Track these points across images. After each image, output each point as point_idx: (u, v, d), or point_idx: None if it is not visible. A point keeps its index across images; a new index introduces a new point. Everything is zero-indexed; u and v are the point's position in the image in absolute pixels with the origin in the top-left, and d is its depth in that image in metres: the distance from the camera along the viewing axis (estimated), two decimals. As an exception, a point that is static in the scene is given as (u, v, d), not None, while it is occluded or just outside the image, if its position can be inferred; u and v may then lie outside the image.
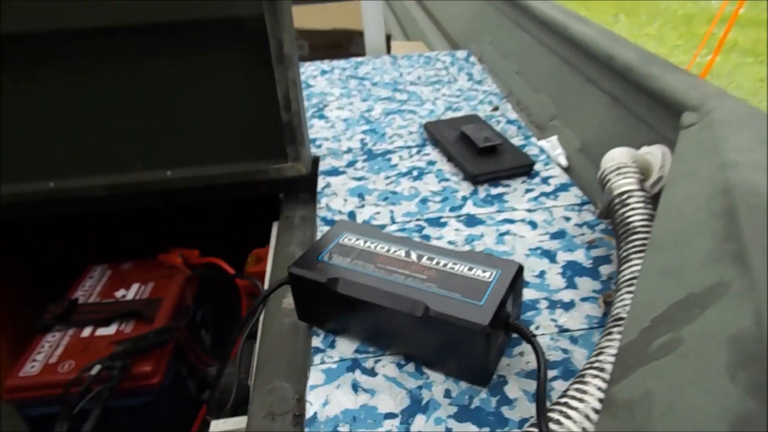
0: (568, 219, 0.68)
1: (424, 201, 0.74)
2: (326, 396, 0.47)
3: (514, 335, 0.51)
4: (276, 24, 0.69)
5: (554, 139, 0.85)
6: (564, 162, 0.80)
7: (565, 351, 0.50)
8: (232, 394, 0.63)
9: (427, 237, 0.66)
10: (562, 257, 0.62)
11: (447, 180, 0.78)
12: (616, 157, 0.60)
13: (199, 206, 0.96)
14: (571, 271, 0.60)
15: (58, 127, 0.78)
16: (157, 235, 1.05)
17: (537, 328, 0.53)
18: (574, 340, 0.51)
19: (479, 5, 1.42)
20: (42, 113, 0.76)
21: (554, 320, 0.53)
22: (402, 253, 0.52)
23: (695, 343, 0.31)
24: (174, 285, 0.96)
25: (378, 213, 0.72)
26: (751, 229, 0.35)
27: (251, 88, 0.76)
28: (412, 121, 0.98)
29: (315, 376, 0.49)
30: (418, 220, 0.70)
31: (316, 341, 0.53)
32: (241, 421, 0.58)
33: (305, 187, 0.84)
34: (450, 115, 0.99)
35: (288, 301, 0.61)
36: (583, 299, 0.56)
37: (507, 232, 0.66)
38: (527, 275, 0.59)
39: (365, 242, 0.54)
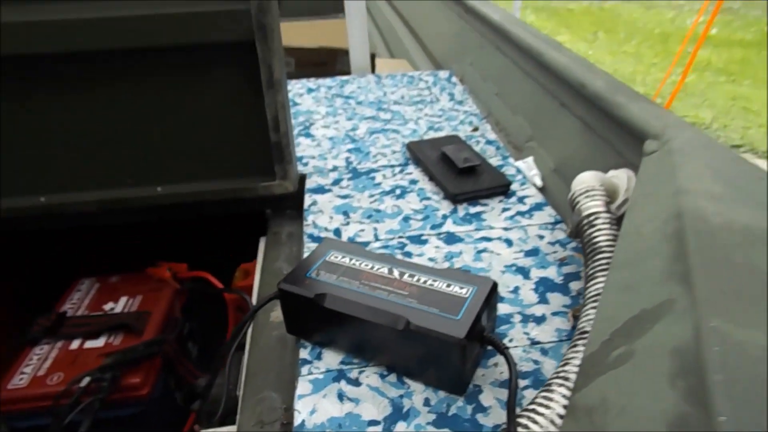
0: (541, 237, 0.72)
1: (406, 219, 0.77)
2: (314, 405, 0.50)
3: (489, 347, 0.54)
4: (267, 50, 0.73)
5: (530, 159, 0.89)
6: (539, 182, 0.84)
7: (536, 362, 0.53)
8: (222, 404, 0.65)
9: (408, 254, 0.70)
10: (536, 274, 0.66)
11: (428, 199, 0.82)
12: (585, 180, 0.65)
13: (188, 221, 0.99)
14: (544, 287, 0.64)
15: (50, 144, 0.80)
16: (146, 249, 1.07)
17: (511, 340, 0.56)
18: (544, 352, 0.55)
19: (461, 27, 1.48)
20: (35, 130, 0.79)
21: (527, 333, 0.57)
22: (385, 270, 0.56)
23: (645, 355, 0.35)
24: (162, 298, 0.98)
25: (362, 230, 0.75)
26: (696, 252, 0.39)
27: (242, 110, 0.79)
28: (396, 140, 1.02)
29: (303, 386, 0.52)
30: (400, 237, 0.73)
31: (304, 353, 0.57)
32: (230, 430, 0.61)
33: (292, 204, 0.87)
34: (432, 134, 1.04)
35: (276, 314, 0.64)
36: (554, 313, 0.60)
37: (484, 250, 0.70)
38: (503, 291, 0.63)
39: (351, 260, 0.58)
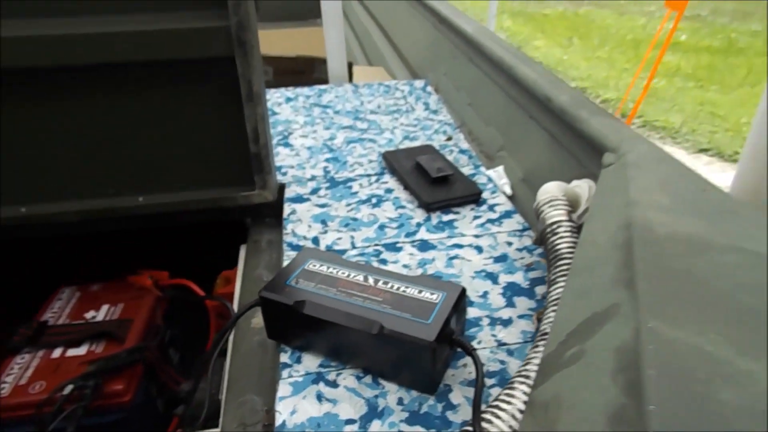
0: (510, 244, 0.76)
1: (382, 227, 0.81)
2: (294, 406, 0.53)
3: (459, 349, 0.58)
4: (246, 65, 0.75)
5: (501, 169, 0.93)
6: (509, 191, 0.88)
7: (502, 362, 0.57)
8: (205, 408, 0.67)
9: (384, 261, 0.73)
10: (504, 279, 0.70)
11: (403, 207, 0.86)
12: (549, 190, 0.69)
13: (169, 229, 1.01)
14: (511, 291, 0.67)
15: (31, 154, 0.81)
16: (127, 257, 1.09)
17: (479, 342, 0.60)
18: (510, 353, 0.58)
19: (435, 37, 1.52)
20: (15, 142, 0.80)
21: (494, 335, 0.61)
22: (361, 278, 0.59)
23: (593, 354, 0.39)
24: (144, 306, 1.00)
25: (340, 238, 0.78)
26: (641, 260, 0.43)
27: (222, 122, 0.82)
28: (372, 149, 1.05)
29: (283, 389, 0.55)
30: (376, 245, 0.77)
31: (284, 357, 0.59)
32: (213, 433, 0.64)
33: (272, 213, 0.89)
34: (407, 144, 1.07)
35: (257, 321, 0.67)
36: (520, 316, 0.63)
37: (456, 256, 0.74)
38: (472, 296, 0.67)
39: (328, 268, 0.61)
